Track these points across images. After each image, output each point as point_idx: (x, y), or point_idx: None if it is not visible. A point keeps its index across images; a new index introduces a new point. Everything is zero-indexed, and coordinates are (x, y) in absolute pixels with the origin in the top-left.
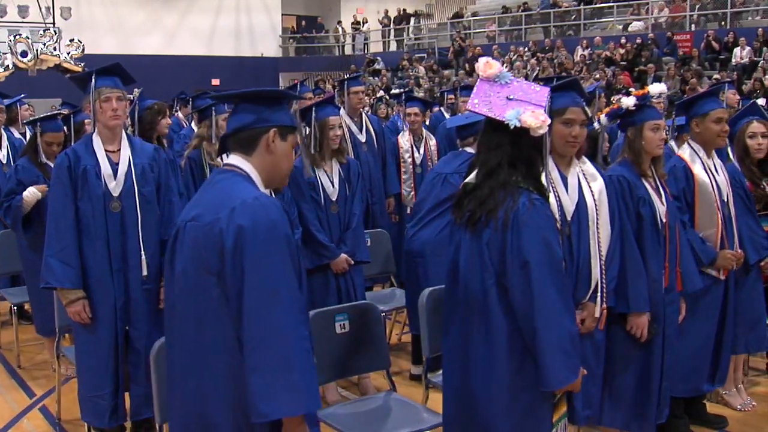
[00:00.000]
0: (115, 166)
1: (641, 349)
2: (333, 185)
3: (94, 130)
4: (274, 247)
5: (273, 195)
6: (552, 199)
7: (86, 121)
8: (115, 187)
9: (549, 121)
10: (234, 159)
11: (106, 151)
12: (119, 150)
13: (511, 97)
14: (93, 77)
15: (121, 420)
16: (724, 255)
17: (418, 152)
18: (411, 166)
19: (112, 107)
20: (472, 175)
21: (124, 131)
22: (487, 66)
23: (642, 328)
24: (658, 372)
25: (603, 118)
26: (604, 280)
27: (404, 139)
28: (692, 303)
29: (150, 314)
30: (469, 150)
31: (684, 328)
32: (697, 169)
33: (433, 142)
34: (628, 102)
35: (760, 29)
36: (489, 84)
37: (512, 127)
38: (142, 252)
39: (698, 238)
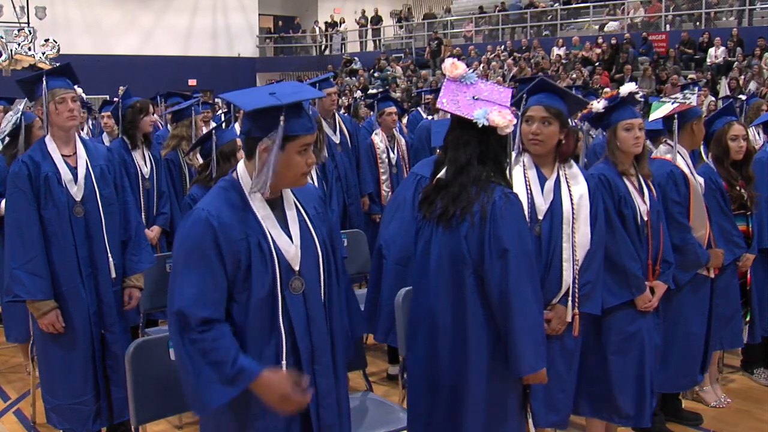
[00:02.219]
0: (73, 171)
1: (626, 346)
2: (312, 183)
3: (46, 134)
4: (180, 253)
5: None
6: (524, 195)
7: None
8: (77, 192)
9: (515, 120)
10: (240, 164)
11: (62, 155)
12: (75, 153)
13: (477, 97)
14: (44, 79)
15: (105, 423)
16: (715, 253)
17: (393, 152)
18: (388, 166)
19: (69, 107)
20: (442, 172)
21: (77, 134)
22: (453, 67)
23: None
24: (649, 364)
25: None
26: (576, 285)
27: (378, 138)
28: (685, 301)
29: (121, 316)
30: None
31: (679, 326)
32: (688, 172)
33: (403, 142)
34: (597, 106)
35: (734, 29)
36: (456, 84)
37: (480, 125)
38: (109, 254)
39: (697, 242)
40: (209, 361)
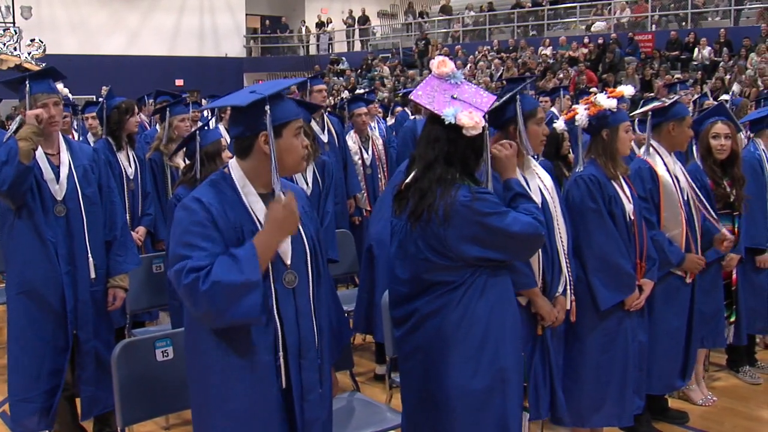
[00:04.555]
0: (56, 169)
1: (612, 346)
2: (307, 184)
3: None
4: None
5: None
6: None
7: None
8: (58, 190)
9: (483, 123)
10: (232, 162)
11: (45, 154)
12: (58, 153)
13: (456, 96)
14: (27, 83)
15: (50, 426)
16: (692, 259)
17: (367, 153)
18: (362, 168)
19: (50, 113)
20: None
21: (60, 134)
22: (441, 64)
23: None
24: (632, 365)
25: (582, 118)
26: (570, 274)
27: (351, 141)
28: (663, 303)
29: (96, 316)
30: None
31: (657, 328)
32: (661, 170)
33: (380, 142)
34: (611, 103)
35: (722, 29)
36: (439, 81)
37: (447, 122)
38: (89, 254)
39: (666, 239)
40: (224, 271)
